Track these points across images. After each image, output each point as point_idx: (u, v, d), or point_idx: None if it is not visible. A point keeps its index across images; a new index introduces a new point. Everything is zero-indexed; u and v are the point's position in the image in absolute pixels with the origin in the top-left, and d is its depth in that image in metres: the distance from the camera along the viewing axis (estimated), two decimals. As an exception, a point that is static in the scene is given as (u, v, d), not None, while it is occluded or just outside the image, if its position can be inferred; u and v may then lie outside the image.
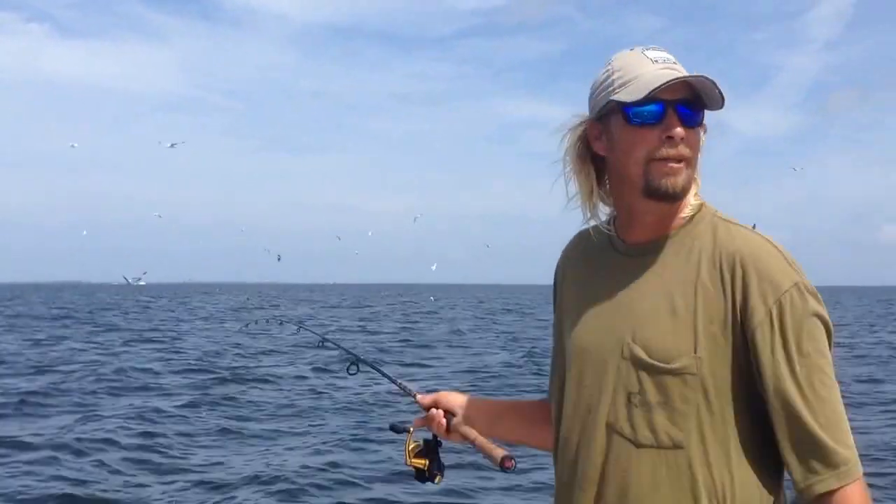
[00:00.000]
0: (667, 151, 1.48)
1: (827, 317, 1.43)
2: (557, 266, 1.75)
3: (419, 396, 1.95)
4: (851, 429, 1.40)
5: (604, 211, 1.63)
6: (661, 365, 1.43)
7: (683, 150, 1.49)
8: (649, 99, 1.47)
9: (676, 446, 1.42)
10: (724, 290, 1.43)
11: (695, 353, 1.42)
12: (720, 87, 1.47)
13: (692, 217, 1.54)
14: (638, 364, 1.46)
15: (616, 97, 1.50)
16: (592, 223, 1.63)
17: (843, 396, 1.41)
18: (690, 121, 1.50)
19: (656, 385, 1.43)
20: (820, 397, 1.38)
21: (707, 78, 1.47)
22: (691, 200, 1.55)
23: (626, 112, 1.50)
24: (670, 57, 1.53)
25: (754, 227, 1.53)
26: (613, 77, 1.53)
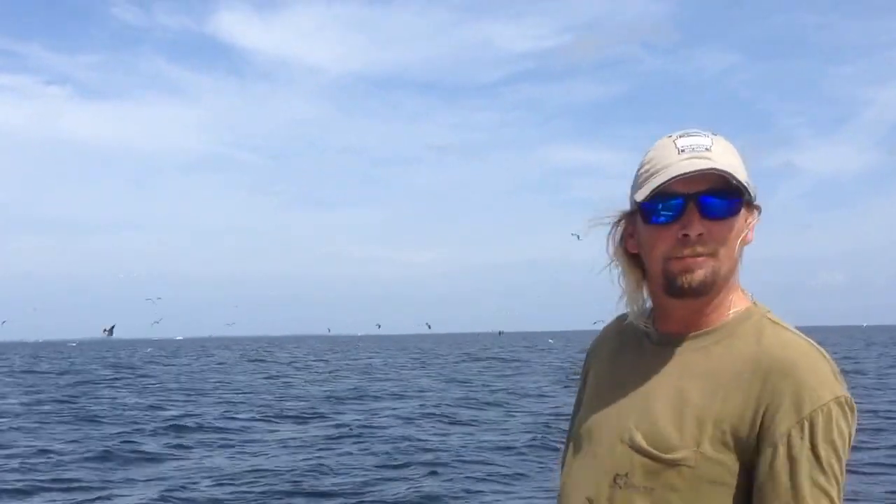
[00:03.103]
0: (681, 251, 1.42)
1: (854, 430, 1.37)
2: (589, 348, 1.72)
3: None
4: None
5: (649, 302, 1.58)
6: (659, 454, 1.40)
7: (700, 248, 1.42)
8: (666, 194, 1.41)
9: None
10: (752, 394, 1.38)
11: (698, 447, 1.38)
12: (738, 177, 1.39)
13: (737, 313, 1.48)
14: (635, 449, 1.43)
15: (636, 196, 1.45)
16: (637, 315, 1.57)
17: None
18: (716, 212, 1.41)
19: (647, 471, 1.41)
20: None
21: (718, 171, 1.38)
22: (737, 299, 1.48)
23: (643, 211, 1.45)
24: (703, 142, 1.43)
25: (799, 331, 1.43)
26: (641, 171, 1.47)
